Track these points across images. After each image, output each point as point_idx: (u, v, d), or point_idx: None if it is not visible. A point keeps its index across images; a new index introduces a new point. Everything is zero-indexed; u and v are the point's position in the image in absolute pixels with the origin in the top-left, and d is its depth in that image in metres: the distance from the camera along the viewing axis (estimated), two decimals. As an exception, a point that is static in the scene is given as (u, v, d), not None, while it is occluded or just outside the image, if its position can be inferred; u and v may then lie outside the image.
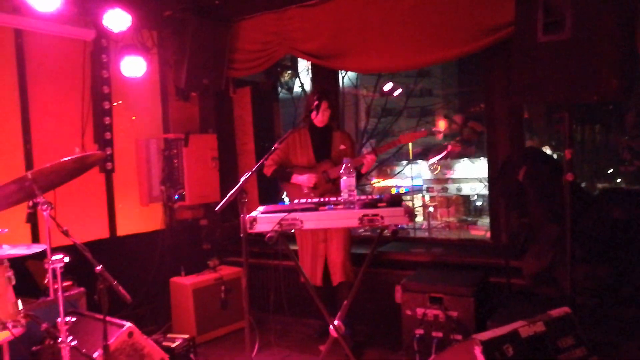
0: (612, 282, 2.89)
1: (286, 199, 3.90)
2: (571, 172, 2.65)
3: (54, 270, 2.41)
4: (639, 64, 2.72)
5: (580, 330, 2.25)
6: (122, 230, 4.32)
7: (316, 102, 3.52)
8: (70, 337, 2.44)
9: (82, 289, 3.44)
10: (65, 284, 3.04)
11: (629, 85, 2.45)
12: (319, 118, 3.57)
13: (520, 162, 3.29)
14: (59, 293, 2.42)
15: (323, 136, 3.65)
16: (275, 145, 3.06)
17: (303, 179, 3.58)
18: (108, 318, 2.60)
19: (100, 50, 4.08)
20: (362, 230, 3.61)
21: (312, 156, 3.63)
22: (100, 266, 2.50)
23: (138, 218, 4.45)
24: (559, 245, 2.87)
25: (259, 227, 2.56)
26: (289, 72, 8.44)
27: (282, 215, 2.52)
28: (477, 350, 2.01)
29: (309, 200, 2.87)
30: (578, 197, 2.89)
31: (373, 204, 2.59)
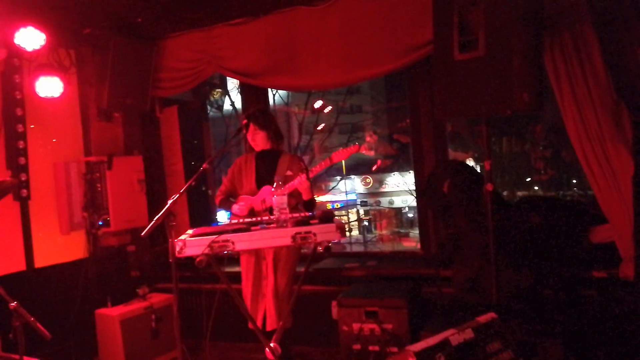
0: (534, 285, 3.05)
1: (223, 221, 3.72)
2: (490, 182, 2.78)
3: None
4: (546, 77, 2.94)
5: (507, 334, 2.34)
6: (40, 262, 4.02)
7: (244, 124, 3.32)
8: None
9: (-5, 328, 3.17)
10: (-26, 324, 2.78)
11: (539, 98, 2.62)
12: (253, 142, 3.39)
13: (444, 174, 3.42)
14: (-34, 335, 2.21)
15: (269, 161, 3.40)
16: (204, 165, 2.94)
17: (235, 209, 3.35)
18: (25, 358, 2.41)
19: (12, 70, 3.83)
20: (304, 249, 3.44)
21: (254, 183, 3.39)
22: (15, 302, 2.33)
23: (58, 247, 4.17)
24: (483, 253, 3.00)
25: (188, 251, 2.48)
26: (219, 90, 8.34)
27: (212, 237, 2.46)
28: (412, 362, 2.04)
29: (241, 220, 2.82)
30: (499, 206, 3.05)
31: (305, 221, 2.59)
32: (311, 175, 3.17)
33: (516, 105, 2.56)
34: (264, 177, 3.36)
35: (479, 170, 4.01)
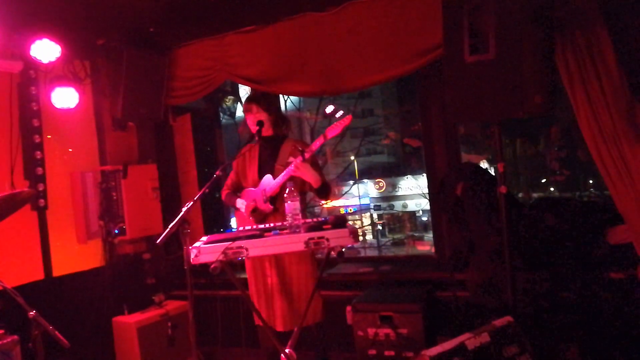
0: (550, 288, 3.02)
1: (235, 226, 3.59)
2: (504, 184, 2.76)
3: (-19, 319, 2.25)
4: (558, 78, 2.92)
5: (524, 338, 2.32)
6: (58, 270, 4.08)
7: (245, 107, 3.12)
8: (2, 391, 2.27)
9: (15, 337, 3.20)
10: (-5, 332, 2.83)
11: (552, 100, 2.61)
12: (253, 127, 3.15)
13: (457, 177, 3.40)
14: (-12, 343, 2.25)
15: (271, 149, 3.17)
16: (218, 172, 2.91)
17: (239, 204, 3.18)
18: (44, 366, 2.44)
19: (29, 82, 3.90)
20: (318, 254, 3.33)
21: (256, 173, 3.19)
22: (34, 311, 2.36)
23: (75, 256, 4.23)
24: (498, 256, 2.98)
25: (202, 258, 2.49)
26: (231, 97, 8.41)
27: (226, 244, 2.47)
28: (427, 367, 2.03)
29: (254, 226, 2.83)
30: (513, 208, 3.02)
31: (318, 226, 2.60)
32: (307, 155, 2.92)
33: (528, 107, 2.54)
34: (266, 166, 3.17)
35: (492, 173, 3.98)
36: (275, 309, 3.11)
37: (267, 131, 3.18)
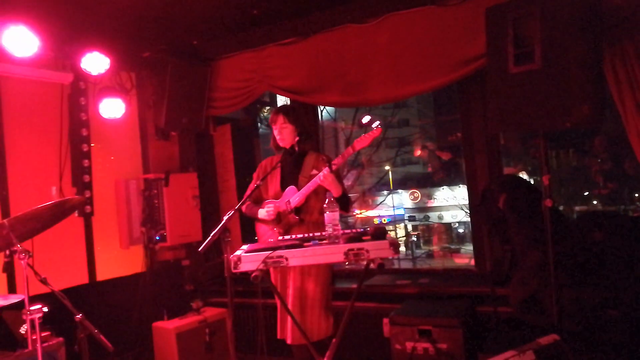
0: (597, 306, 2.91)
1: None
2: (550, 197, 2.69)
3: (32, 320, 2.33)
4: (606, 88, 2.83)
5: (571, 357, 2.24)
6: (101, 275, 4.21)
7: (272, 118, 3.16)
8: (49, 391, 2.34)
9: (61, 339, 3.31)
10: (43, 334, 2.92)
11: (600, 111, 2.53)
12: (280, 136, 3.17)
13: (499, 189, 3.33)
14: (38, 344, 2.33)
15: (294, 161, 3.20)
16: (258, 182, 2.96)
17: (262, 214, 3.17)
18: (89, 368, 2.50)
19: (79, 93, 4.07)
20: (347, 264, 3.33)
21: (279, 186, 3.20)
22: (81, 314, 2.43)
23: (118, 261, 4.35)
24: (542, 271, 2.89)
25: (243, 267, 2.52)
26: (269, 107, 8.52)
27: (267, 253, 2.49)
28: (470, 383, 1.98)
29: (293, 236, 2.84)
30: (557, 222, 2.93)
31: (358, 237, 2.58)
32: (335, 166, 2.96)
33: (575, 118, 2.47)
34: (289, 178, 3.19)
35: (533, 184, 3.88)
36: (286, 322, 3.10)
37: (292, 141, 3.17)
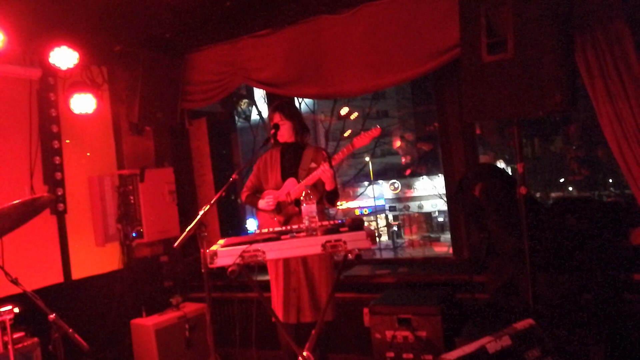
0: (572, 290, 2.96)
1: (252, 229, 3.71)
2: (524, 185, 2.72)
3: (2, 322, 2.28)
4: (578, 76, 2.86)
5: (546, 341, 2.28)
6: (77, 274, 4.13)
7: (269, 115, 3.29)
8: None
9: (35, 339, 3.24)
10: (16, 335, 2.86)
11: (572, 98, 2.56)
12: (278, 133, 3.31)
13: (475, 178, 3.36)
14: (9, 346, 2.28)
15: (293, 154, 3.35)
16: (234, 176, 2.99)
17: (262, 204, 3.33)
18: (65, 369, 2.46)
19: (48, 88, 3.97)
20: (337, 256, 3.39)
21: (279, 177, 3.34)
22: (54, 314, 2.38)
23: (94, 259, 4.28)
24: (518, 257, 2.93)
25: (220, 261, 2.49)
26: (246, 100, 8.45)
27: (243, 247, 2.47)
28: (448, 370, 2.00)
29: (271, 229, 2.82)
30: (532, 209, 2.97)
31: (335, 229, 2.58)
32: (334, 162, 3.13)
33: (548, 106, 2.50)
34: (289, 170, 3.33)
35: (510, 173, 3.92)
36: (303, 302, 3.21)
37: (290, 138, 3.32)
